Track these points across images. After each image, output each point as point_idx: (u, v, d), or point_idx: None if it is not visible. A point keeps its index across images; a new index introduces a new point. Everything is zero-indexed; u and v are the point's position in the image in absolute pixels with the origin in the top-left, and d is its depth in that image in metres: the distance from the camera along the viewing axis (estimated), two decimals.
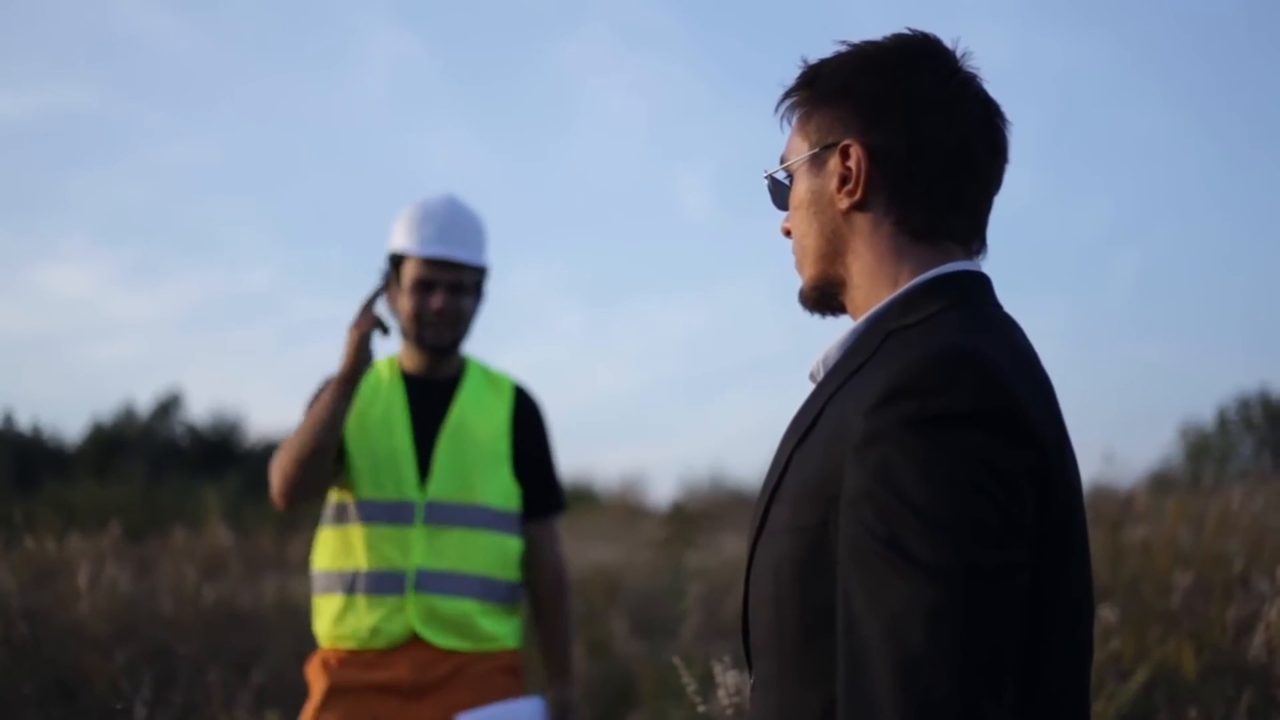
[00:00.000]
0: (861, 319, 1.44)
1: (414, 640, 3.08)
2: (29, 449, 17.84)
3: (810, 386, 1.49)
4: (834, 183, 1.46)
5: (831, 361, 1.47)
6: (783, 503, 1.39)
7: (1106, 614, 4.09)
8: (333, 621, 3.11)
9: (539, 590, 3.28)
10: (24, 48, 18.34)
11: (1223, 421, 15.87)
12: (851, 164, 1.44)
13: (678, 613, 5.50)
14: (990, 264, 1.49)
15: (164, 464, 17.85)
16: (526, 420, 3.32)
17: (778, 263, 1.57)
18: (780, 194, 1.56)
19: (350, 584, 3.10)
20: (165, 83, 19.70)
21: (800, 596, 1.34)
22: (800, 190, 1.50)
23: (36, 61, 18.91)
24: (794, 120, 1.53)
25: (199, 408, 21.34)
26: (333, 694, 3.10)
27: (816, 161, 1.48)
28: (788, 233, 1.56)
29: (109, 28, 19.07)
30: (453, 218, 3.23)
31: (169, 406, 20.69)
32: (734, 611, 6.46)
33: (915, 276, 1.42)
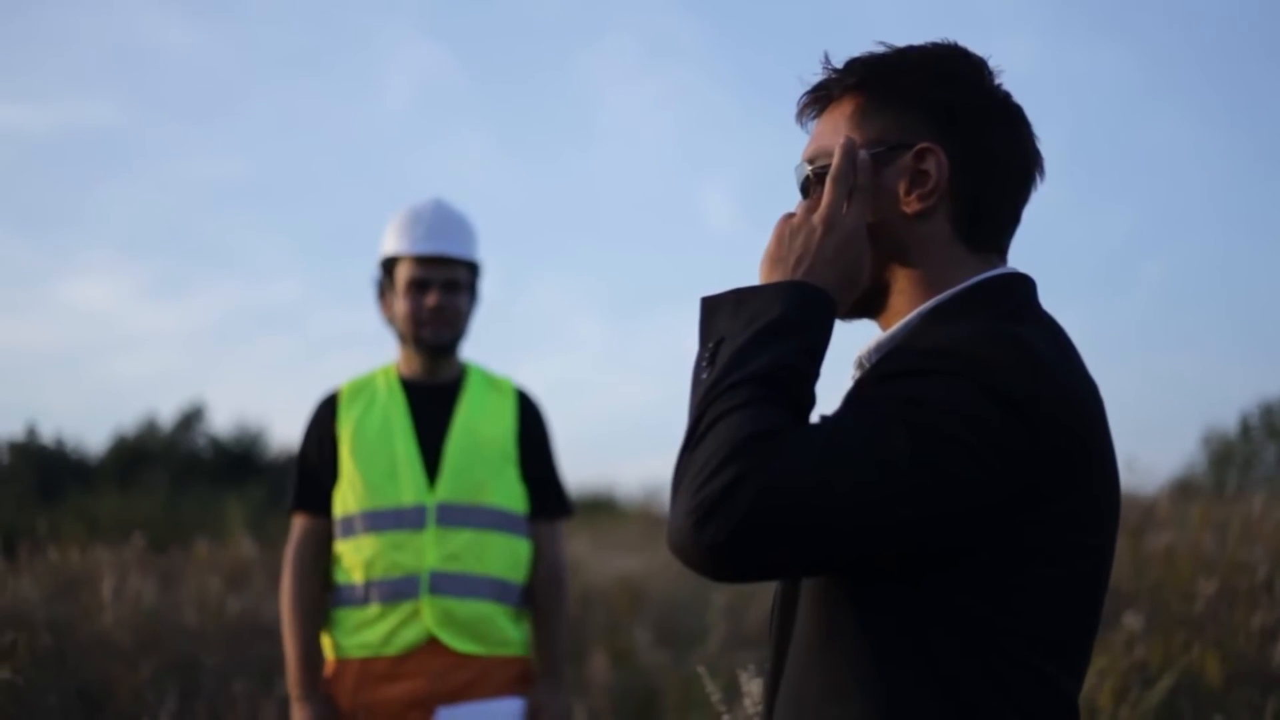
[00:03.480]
0: (914, 313, 1.42)
1: (429, 645, 3.07)
2: (52, 461, 17.94)
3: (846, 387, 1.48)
4: (902, 184, 1.43)
5: (872, 360, 1.45)
6: None
7: (1131, 621, 4.07)
8: (345, 634, 3.11)
9: (536, 589, 3.27)
10: (48, 63, 18.48)
11: (1246, 429, 15.75)
12: (929, 167, 1.41)
13: (703, 623, 5.50)
14: None
15: (187, 476, 17.89)
16: (531, 424, 3.32)
17: None
18: (812, 189, 1.49)
19: (364, 595, 3.10)
20: (189, 96, 19.83)
21: (831, 605, 1.34)
22: None
23: (60, 76, 19.05)
24: (840, 116, 1.47)
25: (222, 420, 21.43)
26: (355, 716, 3.09)
27: (878, 161, 1.43)
28: None
29: (133, 42, 19.20)
30: (441, 217, 3.25)
31: (192, 418, 20.76)
32: (758, 621, 6.45)
33: (962, 284, 1.41)
